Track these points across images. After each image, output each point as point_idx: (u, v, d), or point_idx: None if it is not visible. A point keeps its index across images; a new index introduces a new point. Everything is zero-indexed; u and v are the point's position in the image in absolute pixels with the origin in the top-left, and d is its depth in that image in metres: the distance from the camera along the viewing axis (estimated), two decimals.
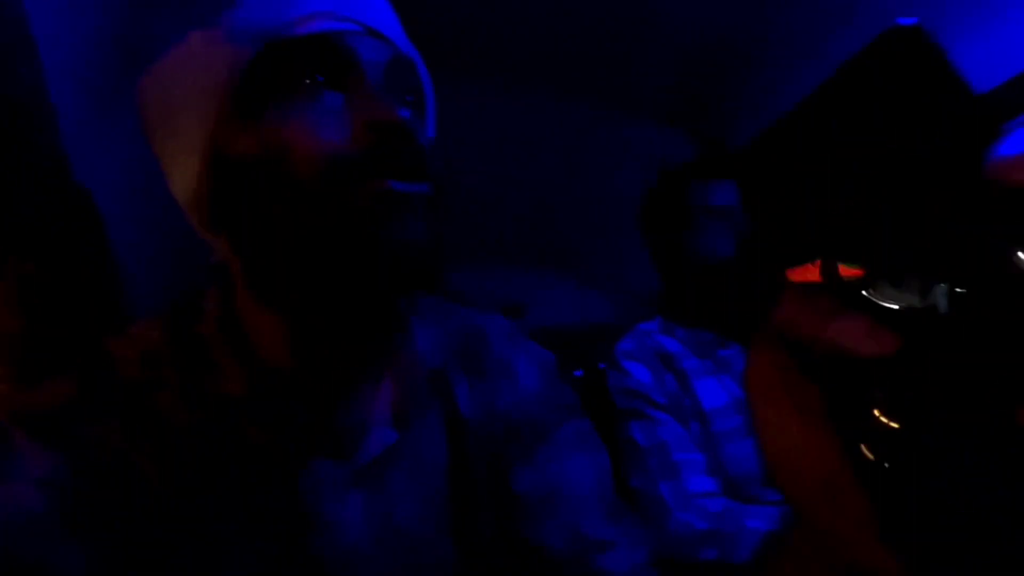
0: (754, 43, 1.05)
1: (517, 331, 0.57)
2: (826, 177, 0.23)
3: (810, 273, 0.25)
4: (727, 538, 0.76)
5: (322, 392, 0.44)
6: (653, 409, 0.89)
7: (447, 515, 0.47)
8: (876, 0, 0.90)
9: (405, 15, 0.47)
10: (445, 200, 0.41)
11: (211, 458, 0.41)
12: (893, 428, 0.22)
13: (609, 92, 1.20)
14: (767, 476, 0.84)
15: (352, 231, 0.37)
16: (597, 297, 1.69)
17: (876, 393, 0.22)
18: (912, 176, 0.21)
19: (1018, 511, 0.21)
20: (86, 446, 0.39)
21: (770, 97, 1.12)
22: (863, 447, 0.22)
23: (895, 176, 0.22)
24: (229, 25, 0.39)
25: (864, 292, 0.23)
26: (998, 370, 0.20)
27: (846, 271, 0.23)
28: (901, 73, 0.22)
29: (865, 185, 0.22)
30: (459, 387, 0.50)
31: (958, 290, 0.21)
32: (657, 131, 1.26)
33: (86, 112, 0.81)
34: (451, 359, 0.51)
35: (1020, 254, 0.20)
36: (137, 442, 0.40)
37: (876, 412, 0.22)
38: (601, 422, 0.90)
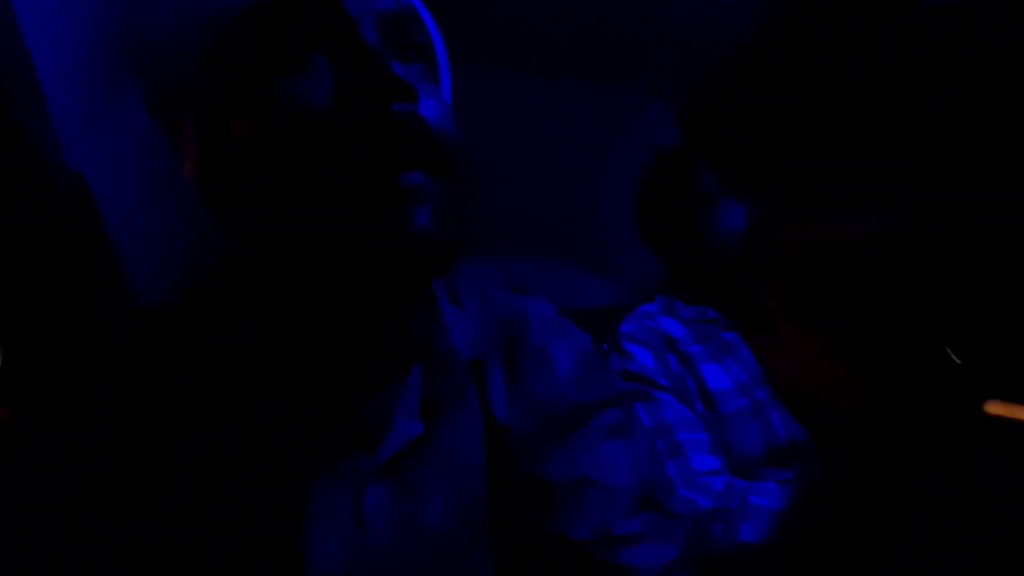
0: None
1: (559, 315, 0.54)
2: (793, 110, 0.22)
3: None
4: (732, 514, 0.76)
5: (338, 386, 0.42)
6: (657, 391, 0.89)
7: (483, 518, 0.45)
8: None
9: None
10: (467, 176, 0.38)
11: (223, 455, 0.39)
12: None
13: (616, 75, 1.19)
14: (770, 455, 0.85)
15: (345, 225, 0.35)
16: (597, 281, 1.69)
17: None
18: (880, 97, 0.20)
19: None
20: (97, 444, 0.38)
21: None
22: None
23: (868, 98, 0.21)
24: None
25: None
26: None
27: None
28: None
29: (839, 110, 0.21)
30: (495, 378, 0.48)
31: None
32: (657, 112, 1.25)
33: (79, 97, 0.81)
34: (489, 351, 0.49)
35: None
36: (146, 439, 0.39)
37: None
38: None
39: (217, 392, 0.40)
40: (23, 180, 0.81)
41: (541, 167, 1.39)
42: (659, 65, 1.16)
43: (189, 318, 0.43)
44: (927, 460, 0.22)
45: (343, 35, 0.36)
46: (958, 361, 0.20)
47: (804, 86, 0.21)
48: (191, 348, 0.42)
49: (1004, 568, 0.21)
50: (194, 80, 0.38)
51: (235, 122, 0.37)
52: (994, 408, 0.19)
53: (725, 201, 0.94)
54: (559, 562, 0.45)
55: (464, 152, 0.38)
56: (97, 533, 0.37)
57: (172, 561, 0.38)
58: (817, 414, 0.78)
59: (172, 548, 0.38)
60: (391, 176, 0.35)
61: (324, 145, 0.34)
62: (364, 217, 0.34)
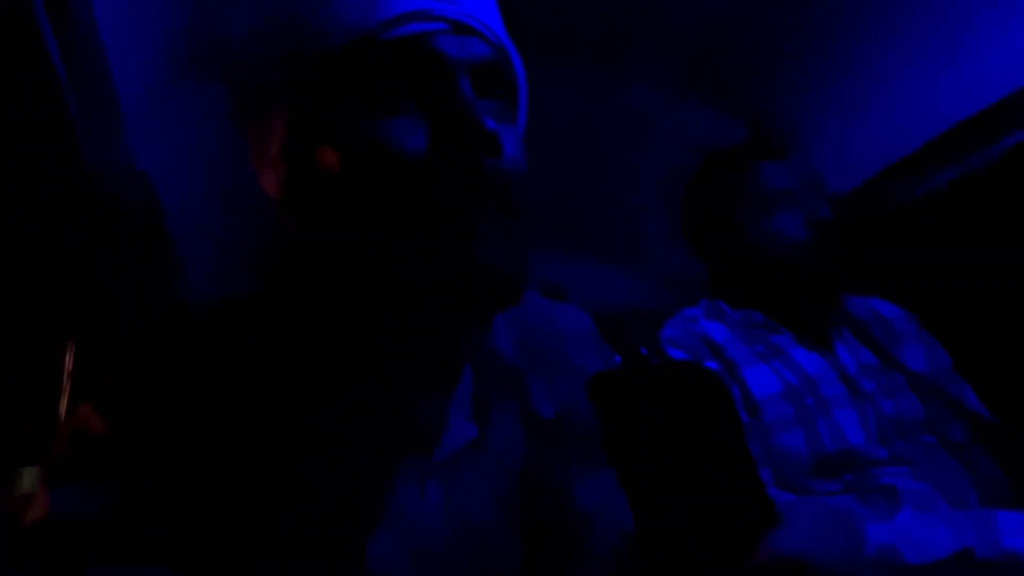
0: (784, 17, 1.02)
1: (596, 331, 0.55)
2: None
3: None
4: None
5: (401, 387, 0.43)
6: None
7: (518, 515, 0.46)
8: None
9: None
10: (531, 209, 0.40)
11: (289, 447, 0.41)
12: None
13: (643, 68, 1.17)
14: (817, 465, 0.82)
15: (423, 250, 0.36)
16: (638, 284, 1.66)
17: None
18: None
19: None
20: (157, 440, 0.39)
21: (802, 73, 1.07)
22: None
23: None
24: (314, 22, 0.38)
25: None
26: None
27: None
28: None
29: None
30: (536, 387, 0.49)
31: None
32: (702, 112, 1.22)
33: (150, 99, 0.85)
34: (529, 357, 0.50)
35: None
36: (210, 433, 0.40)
37: None
38: None
39: (285, 387, 0.41)
40: (90, 180, 0.86)
41: (581, 166, 1.38)
42: (693, 62, 1.14)
43: (255, 317, 0.45)
44: None
45: (440, 85, 0.38)
46: None
47: None
48: (260, 342, 0.43)
49: None
50: (285, 93, 0.40)
51: (324, 152, 0.38)
52: None
53: (784, 205, 0.91)
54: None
55: (527, 183, 0.40)
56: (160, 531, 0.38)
57: (239, 553, 0.39)
58: None
59: (237, 539, 0.39)
60: (468, 215, 0.37)
61: (406, 187, 0.36)
62: (441, 251, 0.36)
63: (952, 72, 0.86)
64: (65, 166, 0.79)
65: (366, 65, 0.37)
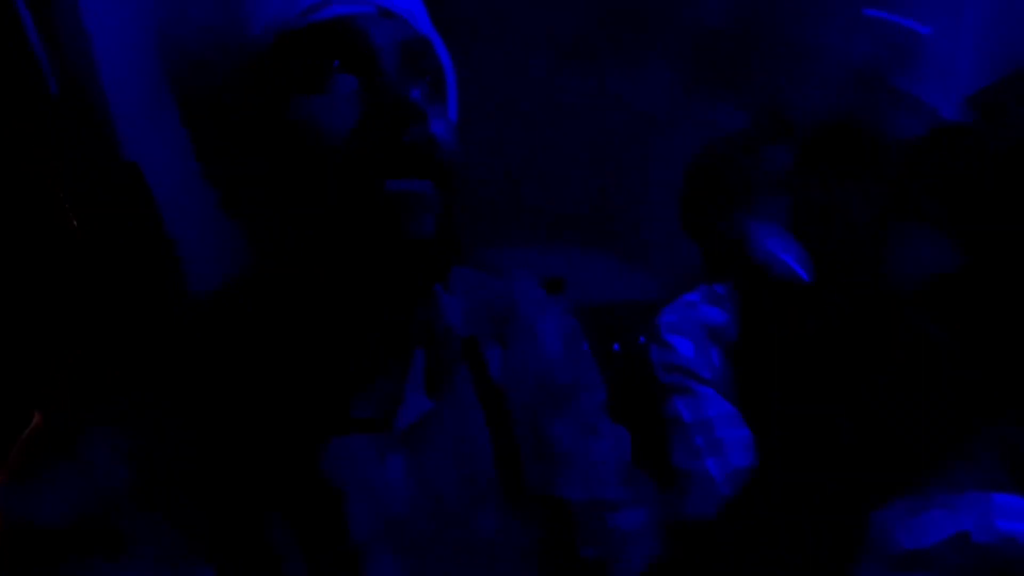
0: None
1: (544, 295, 0.58)
2: None
3: None
4: None
5: (354, 366, 0.45)
6: (698, 384, 0.87)
7: (489, 485, 0.49)
8: None
9: None
10: (463, 187, 0.42)
11: (257, 430, 0.42)
12: None
13: (647, 61, 1.16)
14: None
15: (353, 227, 0.39)
16: (639, 273, 1.66)
17: None
18: None
19: None
20: (164, 420, 0.41)
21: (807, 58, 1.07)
22: None
23: None
24: (244, 16, 0.40)
25: None
26: None
27: None
28: None
29: None
30: (491, 354, 0.52)
31: None
32: (703, 101, 1.22)
33: (138, 90, 0.83)
34: (481, 328, 0.53)
35: None
36: (203, 415, 0.42)
37: None
38: (640, 397, 0.89)
39: (256, 368, 0.44)
40: (82, 171, 0.84)
41: (577, 158, 1.37)
42: (698, 54, 1.13)
43: (239, 298, 0.47)
44: None
45: (367, 62, 0.40)
46: None
47: None
48: (237, 329, 0.45)
49: None
50: (230, 85, 0.41)
51: (264, 138, 0.40)
52: None
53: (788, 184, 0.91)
54: (555, 521, 0.49)
55: (461, 164, 0.42)
56: (173, 505, 0.40)
57: (230, 528, 0.41)
58: None
59: (231, 517, 0.41)
60: (399, 187, 0.39)
61: (340, 158, 0.38)
62: (373, 222, 0.38)
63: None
64: (46, 154, 0.78)
65: (294, 47, 0.39)
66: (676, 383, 0.88)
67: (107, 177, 0.84)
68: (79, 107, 0.78)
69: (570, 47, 1.09)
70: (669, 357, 0.90)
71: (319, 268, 0.41)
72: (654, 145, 1.34)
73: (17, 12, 0.70)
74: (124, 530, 0.38)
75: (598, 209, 1.56)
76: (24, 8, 0.71)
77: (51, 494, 0.38)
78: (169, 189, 0.94)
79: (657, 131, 1.28)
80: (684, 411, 0.86)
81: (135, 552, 0.38)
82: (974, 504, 0.66)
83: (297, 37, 0.39)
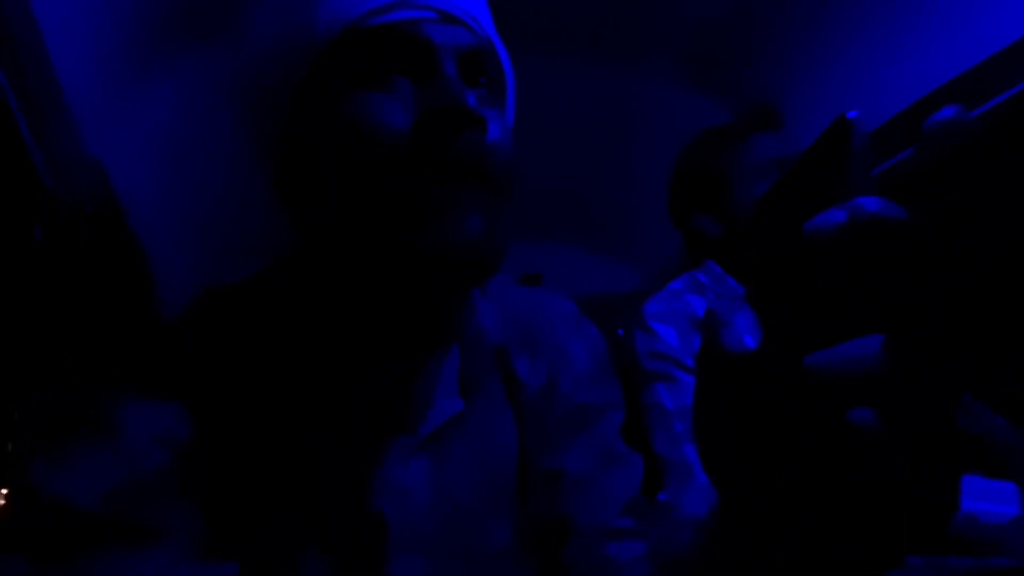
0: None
1: (579, 314, 0.58)
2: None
3: None
4: None
5: (387, 365, 0.45)
6: (681, 371, 0.88)
7: (506, 493, 0.48)
8: None
9: None
10: (515, 190, 0.42)
11: (286, 426, 0.43)
12: None
13: (629, 55, 1.16)
14: None
15: (399, 226, 0.38)
16: (616, 267, 1.67)
17: None
18: None
19: None
20: (197, 403, 0.41)
21: (801, 56, 1.07)
22: None
23: None
24: (311, 12, 0.40)
25: None
26: None
27: None
28: None
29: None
30: (520, 363, 0.52)
31: None
32: (681, 97, 1.22)
33: (100, 85, 0.80)
34: (513, 337, 0.52)
35: None
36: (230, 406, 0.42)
37: None
38: (623, 385, 0.90)
39: (284, 364, 0.43)
40: (39, 168, 0.80)
41: (561, 153, 1.37)
42: (681, 49, 1.13)
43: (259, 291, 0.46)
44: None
45: (425, 66, 0.40)
46: None
47: None
48: (259, 323, 0.44)
49: None
50: (287, 84, 0.42)
51: (320, 136, 0.41)
52: None
53: (776, 174, 0.92)
54: (558, 544, 0.48)
55: (515, 168, 0.42)
56: (207, 489, 0.40)
57: (259, 520, 0.41)
58: None
59: (261, 509, 0.42)
60: (451, 190, 0.39)
61: (393, 157, 0.38)
62: (419, 223, 0.38)
63: (938, 52, 0.87)
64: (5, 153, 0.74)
65: (355, 49, 0.40)
66: (660, 370, 0.89)
67: (71, 175, 0.81)
68: (35, 103, 0.75)
69: (554, 42, 1.08)
70: (654, 345, 0.90)
71: (361, 265, 0.41)
72: (638, 140, 1.34)
73: None
74: (155, 519, 0.38)
75: (581, 203, 1.56)
76: None
77: (88, 474, 0.38)
78: (135, 186, 0.91)
79: (644, 125, 1.28)
80: (666, 398, 0.87)
81: (164, 542, 0.38)
82: None
83: (360, 36, 0.40)
